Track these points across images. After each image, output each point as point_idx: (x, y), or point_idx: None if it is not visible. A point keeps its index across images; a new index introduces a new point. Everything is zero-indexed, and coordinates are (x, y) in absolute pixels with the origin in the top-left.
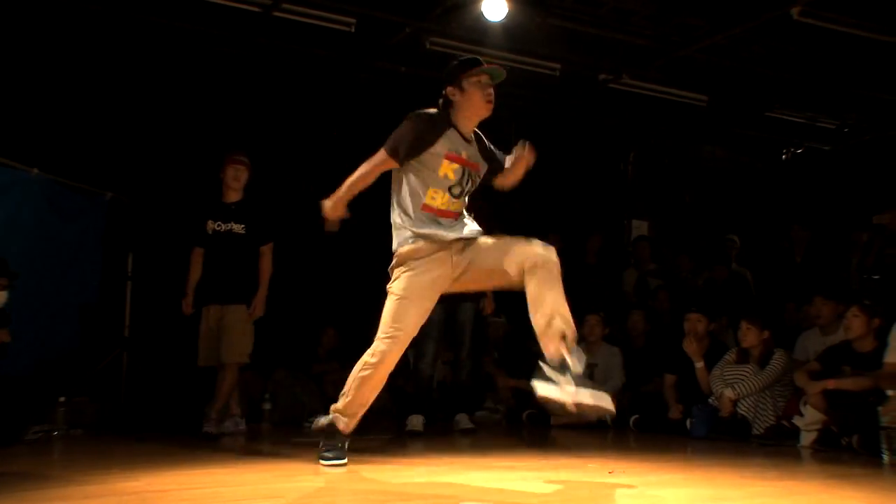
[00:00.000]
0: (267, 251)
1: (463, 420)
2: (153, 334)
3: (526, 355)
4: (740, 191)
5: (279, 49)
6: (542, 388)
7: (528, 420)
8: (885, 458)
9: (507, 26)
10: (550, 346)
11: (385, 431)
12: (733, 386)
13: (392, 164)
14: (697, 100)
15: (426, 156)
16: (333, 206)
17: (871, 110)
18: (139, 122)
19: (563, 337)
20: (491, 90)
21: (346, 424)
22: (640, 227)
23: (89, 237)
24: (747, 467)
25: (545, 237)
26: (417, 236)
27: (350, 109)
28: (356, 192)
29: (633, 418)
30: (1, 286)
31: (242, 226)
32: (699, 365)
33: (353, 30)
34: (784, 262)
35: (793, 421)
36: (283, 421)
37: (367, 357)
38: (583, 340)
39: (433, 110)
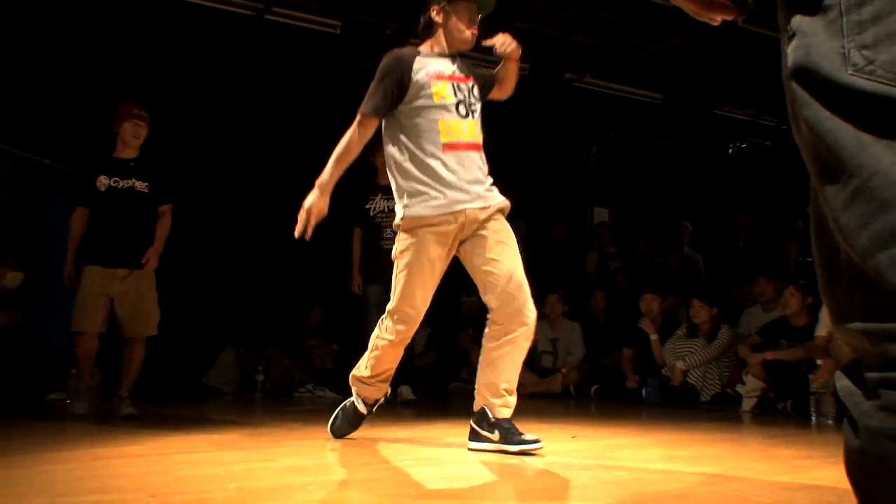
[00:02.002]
0: (167, 211)
1: (405, 392)
2: None
3: None
4: (691, 181)
5: (271, 49)
6: (476, 446)
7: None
8: (813, 419)
9: (480, 29)
10: (496, 410)
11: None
12: (684, 358)
13: (374, 123)
14: (653, 98)
15: (413, 91)
16: (318, 199)
17: None
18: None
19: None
20: (475, 21)
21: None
22: (601, 214)
23: None
24: (695, 430)
25: (514, 223)
26: (426, 203)
27: (337, 104)
28: (342, 170)
29: (593, 388)
30: (14, 266)
31: (146, 183)
32: (654, 338)
33: (339, 31)
34: (729, 247)
35: (736, 388)
36: (275, 391)
37: (383, 334)
38: (545, 318)
39: (405, 48)
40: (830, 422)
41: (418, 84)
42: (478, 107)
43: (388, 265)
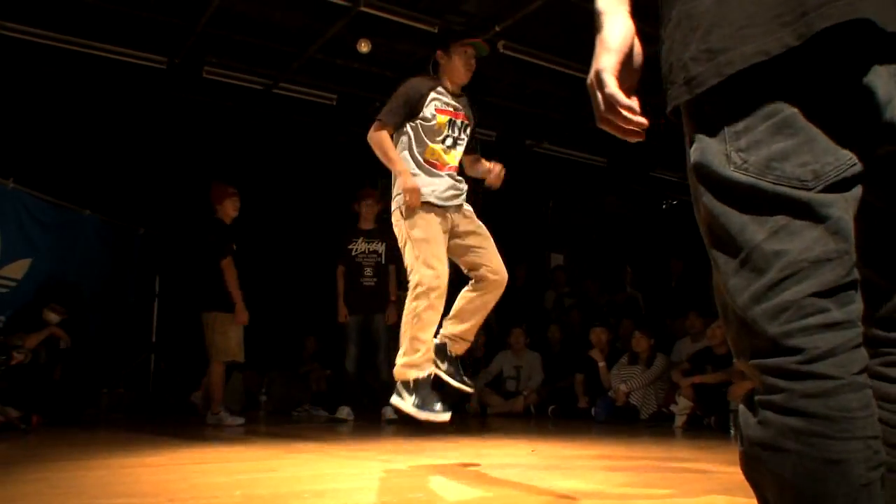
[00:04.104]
0: None
1: (388, 411)
2: (174, 340)
3: (469, 358)
4: (632, 231)
5: (278, 118)
6: (444, 378)
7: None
8: (732, 432)
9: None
10: (456, 347)
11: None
12: (626, 382)
13: (388, 131)
14: (600, 161)
15: (423, 115)
16: (411, 179)
17: None
18: (167, 176)
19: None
20: (473, 61)
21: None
22: (557, 259)
23: (126, 263)
24: (636, 443)
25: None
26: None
27: (332, 163)
28: (398, 156)
29: (550, 408)
30: (58, 312)
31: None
32: (601, 365)
33: (335, 103)
34: (663, 286)
35: (670, 408)
36: (277, 410)
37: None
38: (510, 347)
39: (421, 76)
40: None
41: (427, 111)
42: (463, 141)
43: (367, 300)
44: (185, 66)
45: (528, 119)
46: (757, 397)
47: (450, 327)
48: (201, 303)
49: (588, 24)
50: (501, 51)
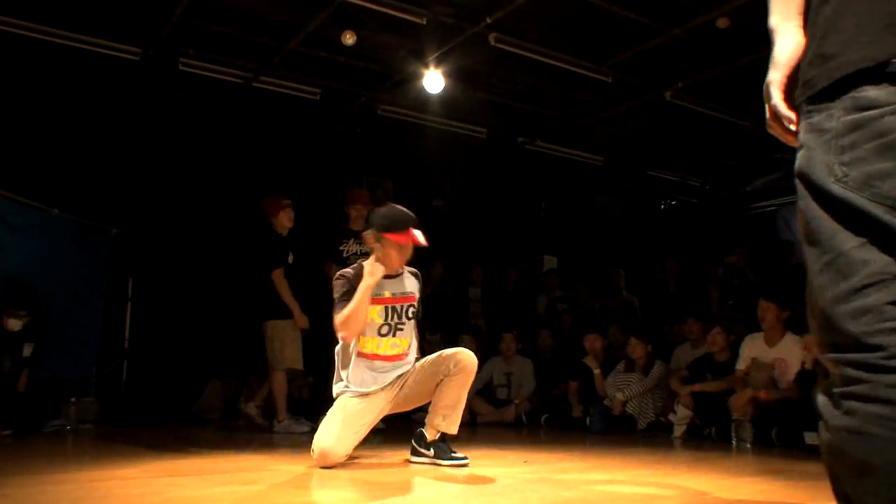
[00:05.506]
0: None
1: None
2: (148, 346)
3: None
4: (628, 233)
5: (258, 113)
6: (413, 458)
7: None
8: (734, 443)
9: (444, 98)
10: (431, 431)
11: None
12: (623, 390)
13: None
14: (595, 160)
15: None
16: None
17: (724, 172)
18: (141, 173)
19: (443, 431)
20: (406, 254)
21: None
22: (549, 262)
23: (98, 266)
24: (633, 455)
25: (473, 269)
26: (353, 392)
27: (316, 161)
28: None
29: (543, 417)
30: (19, 317)
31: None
32: (597, 372)
33: (318, 98)
34: (660, 290)
35: (668, 417)
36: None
37: None
38: (500, 354)
39: (352, 270)
40: (748, 445)
41: None
42: (407, 324)
43: None
44: (160, 58)
45: (520, 116)
46: (836, 390)
47: (434, 403)
48: (259, 313)
49: (582, 16)
50: (493, 44)
